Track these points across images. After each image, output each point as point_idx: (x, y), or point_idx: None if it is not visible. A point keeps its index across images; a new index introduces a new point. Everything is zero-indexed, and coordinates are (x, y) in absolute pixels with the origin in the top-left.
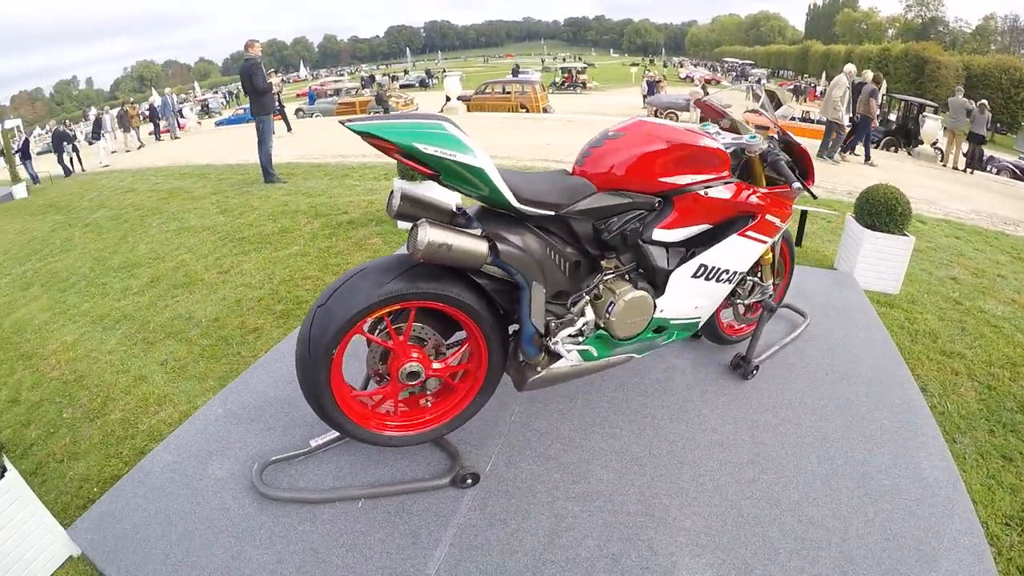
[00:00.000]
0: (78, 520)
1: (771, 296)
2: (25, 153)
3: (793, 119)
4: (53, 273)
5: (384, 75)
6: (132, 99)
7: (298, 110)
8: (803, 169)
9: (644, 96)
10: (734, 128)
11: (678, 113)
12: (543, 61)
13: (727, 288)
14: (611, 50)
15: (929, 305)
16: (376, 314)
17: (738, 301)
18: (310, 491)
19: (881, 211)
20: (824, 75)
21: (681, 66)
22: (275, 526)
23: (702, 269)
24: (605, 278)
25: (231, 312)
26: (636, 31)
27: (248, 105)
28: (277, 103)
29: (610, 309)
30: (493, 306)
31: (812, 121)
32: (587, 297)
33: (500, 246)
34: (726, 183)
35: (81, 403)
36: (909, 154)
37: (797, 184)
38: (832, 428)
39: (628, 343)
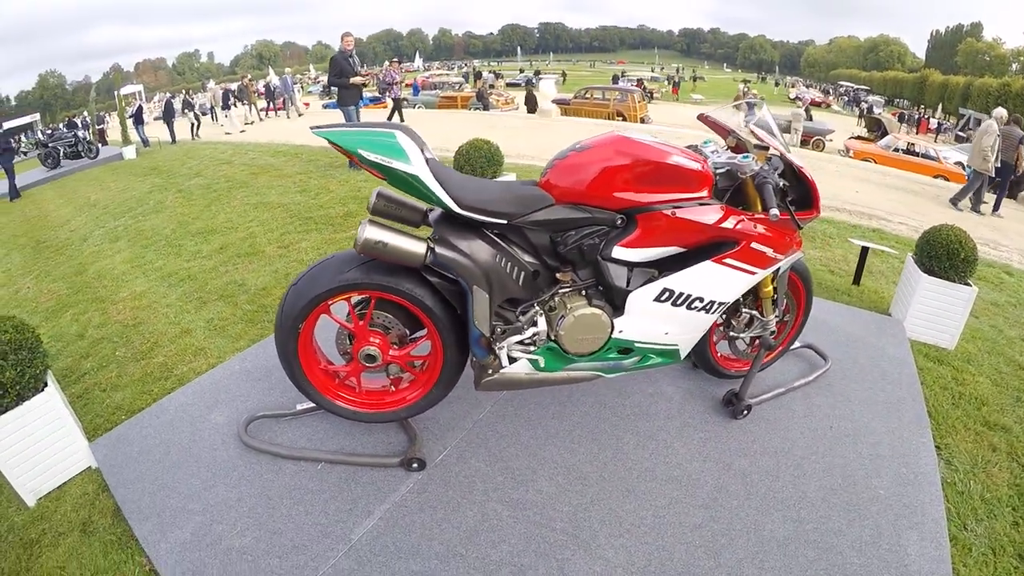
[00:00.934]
0: (100, 438)
1: (772, 333)
2: (138, 118)
3: (896, 150)
4: (140, 231)
5: (490, 71)
6: (249, 76)
7: (403, 100)
8: (806, 198)
9: None
10: (741, 147)
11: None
12: (652, 70)
13: (706, 317)
14: (724, 64)
15: (986, 367)
16: (337, 298)
17: (732, 334)
18: (281, 447)
19: (942, 254)
20: (940, 107)
21: (792, 86)
22: (245, 470)
23: (667, 294)
24: (561, 291)
25: (278, 284)
26: (751, 47)
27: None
28: (392, 95)
29: (560, 323)
30: (448, 304)
31: (917, 154)
32: (538, 308)
33: (438, 249)
34: (702, 204)
35: (133, 345)
36: None
37: (774, 211)
38: (813, 488)
39: (585, 360)
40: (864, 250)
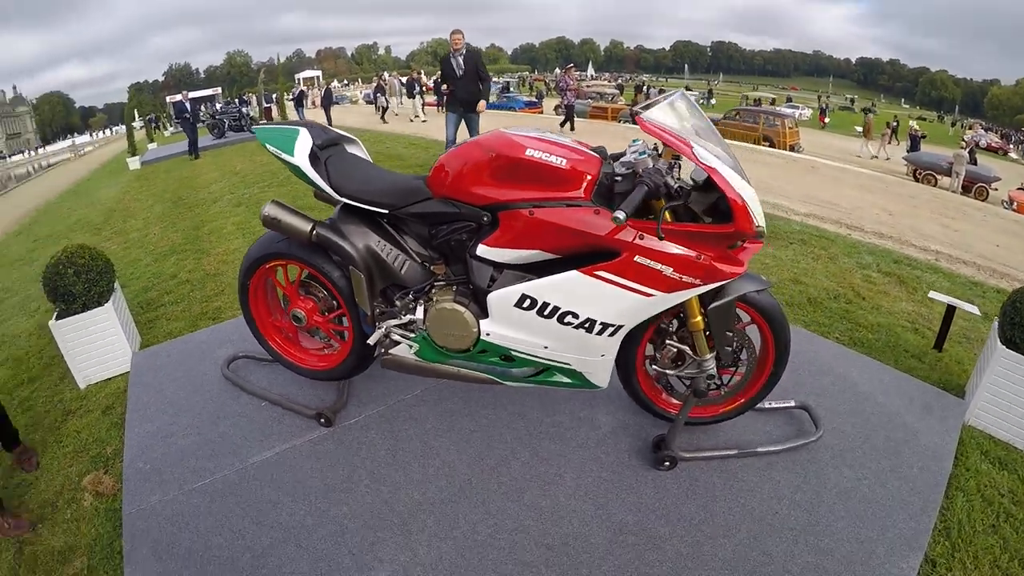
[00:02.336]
0: (140, 351)
1: (711, 377)
2: (299, 101)
3: None
4: (260, 200)
5: (651, 87)
6: (422, 70)
7: (556, 107)
8: (715, 210)
9: (907, 150)
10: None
11: (937, 176)
12: (819, 99)
13: (595, 338)
14: (902, 99)
15: None
16: (272, 263)
17: (656, 368)
18: (246, 383)
19: None
20: None
21: (970, 128)
22: (219, 394)
23: (527, 301)
24: (436, 283)
25: None
26: (931, 82)
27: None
28: (566, 101)
29: (427, 314)
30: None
31: None
32: (413, 296)
33: (318, 229)
34: (570, 205)
35: (205, 290)
36: None
37: (619, 214)
38: None
39: (462, 358)
40: (950, 309)
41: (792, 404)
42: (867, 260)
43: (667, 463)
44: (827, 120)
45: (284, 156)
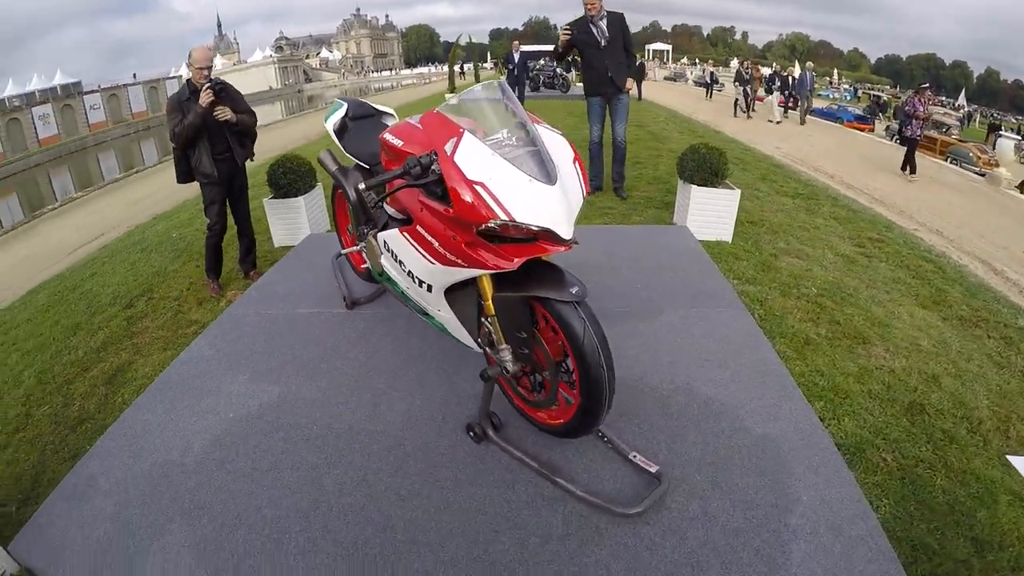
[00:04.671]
0: (311, 235)
1: (505, 364)
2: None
3: None
4: None
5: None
6: (750, 61)
7: (895, 134)
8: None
9: None
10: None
11: None
12: None
13: (422, 290)
14: None
15: None
16: (338, 189)
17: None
18: (339, 276)
19: None
20: None
21: None
22: (327, 279)
23: (384, 244)
24: (381, 221)
25: None
26: None
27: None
28: (910, 132)
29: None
30: None
31: None
32: (369, 227)
33: (336, 171)
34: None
35: None
36: None
37: (361, 184)
38: None
39: (386, 281)
40: None
41: (653, 470)
42: None
43: (472, 433)
44: None
45: (325, 125)
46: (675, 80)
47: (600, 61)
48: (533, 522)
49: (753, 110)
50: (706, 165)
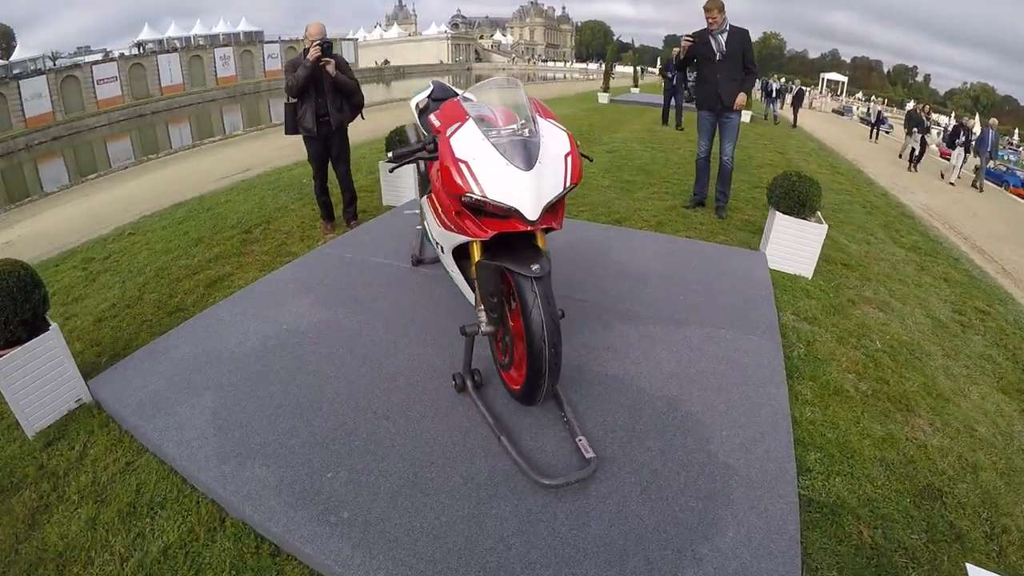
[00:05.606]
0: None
1: (480, 321)
2: (770, 94)
3: None
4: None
5: None
6: (924, 105)
7: None
8: None
9: None
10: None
11: None
12: None
13: (441, 251)
14: None
15: None
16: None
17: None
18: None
19: None
20: None
21: None
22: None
23: (422, 205)
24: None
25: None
26: None
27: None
28: None
29: None
30: None
31: None
32: None
33: (407, 130)
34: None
35: None
36: None
37: (390, 154)
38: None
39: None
40: None
41: (588, 456)
42: None
43: (454, 382)
44: None
45: (410, 102)
46: (842, 114)
47: (712, 75)
48: (464, 464)
49: (919, 162)
50: (794, 193)
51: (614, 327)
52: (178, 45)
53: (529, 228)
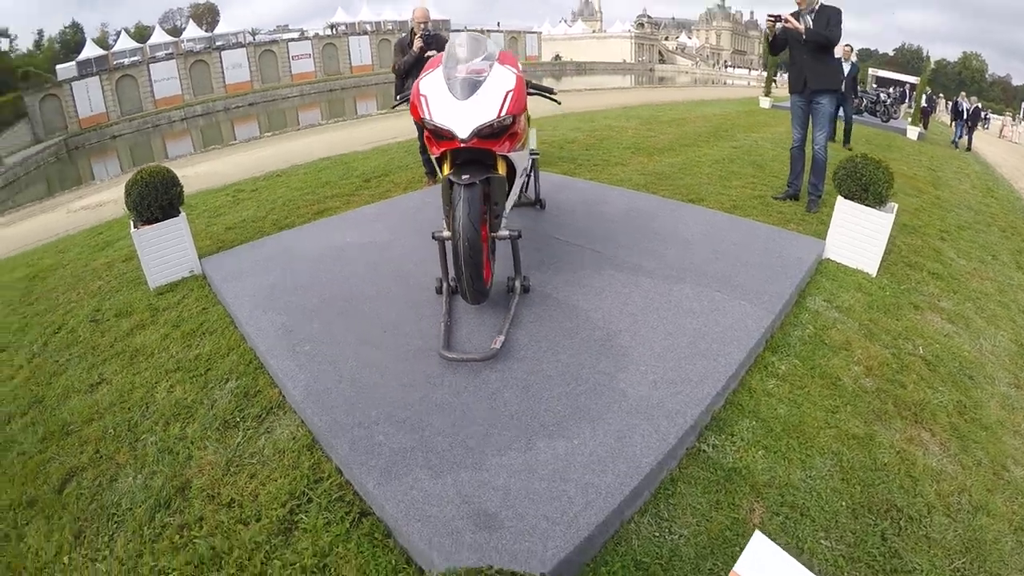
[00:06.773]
0: None
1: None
2: (960, 115)
3: None
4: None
5: None
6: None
7: None
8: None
9: None
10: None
11: None
12: None
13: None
14: None
15: None
16: None
17: None
18: None
19: None
20: None
21: None
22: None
23: None
24: None
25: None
26: None
27: None
28: None
29: None
30: None
31: None
32: None
33: None
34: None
35: (591, 153)
36: None
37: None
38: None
39: None
40: None
41: (493, 346)
42: None
43: (436, 286)
44: None
45: None
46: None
47: (799, 56)
48: (416, 338)
49: None
50: (856, 175)
51: (604, 272)
52: (368, 28)
53: (461, 144)
